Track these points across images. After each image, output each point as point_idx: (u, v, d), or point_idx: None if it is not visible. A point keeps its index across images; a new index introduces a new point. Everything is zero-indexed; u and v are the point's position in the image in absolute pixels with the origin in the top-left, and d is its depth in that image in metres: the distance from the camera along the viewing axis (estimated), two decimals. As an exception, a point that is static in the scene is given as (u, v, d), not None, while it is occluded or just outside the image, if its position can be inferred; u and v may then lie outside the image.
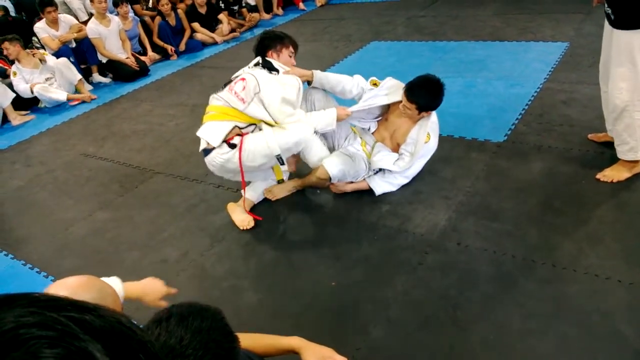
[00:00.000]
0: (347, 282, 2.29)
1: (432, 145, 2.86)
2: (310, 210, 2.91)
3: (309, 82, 2.92)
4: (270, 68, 2.75)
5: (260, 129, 2.72)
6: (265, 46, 2.87)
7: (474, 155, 3.11)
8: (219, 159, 2.72)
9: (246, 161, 2.68)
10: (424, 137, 2.79)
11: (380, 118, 3.09)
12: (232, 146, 2.68)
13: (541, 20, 5.47)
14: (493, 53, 4.79)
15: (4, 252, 3.04)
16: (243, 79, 2.72)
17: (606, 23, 2.55)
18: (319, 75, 2.91)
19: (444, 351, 1.88)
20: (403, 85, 2.81)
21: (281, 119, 2.67)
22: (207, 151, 2.77)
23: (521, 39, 5.03)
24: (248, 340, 1.38)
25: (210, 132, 2.73)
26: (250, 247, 2.68)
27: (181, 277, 2.53)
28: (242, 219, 2.86)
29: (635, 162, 2.60)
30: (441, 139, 3.11)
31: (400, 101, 2.80)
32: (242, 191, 2.94)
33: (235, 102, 2.69)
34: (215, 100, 2.80)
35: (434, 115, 2.85)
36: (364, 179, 2.92)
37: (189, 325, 1.03)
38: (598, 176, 2.67)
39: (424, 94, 2.72)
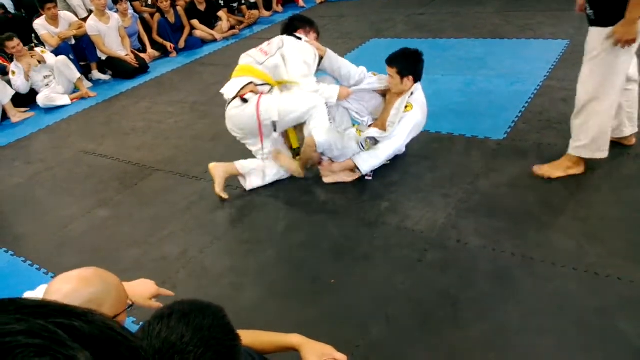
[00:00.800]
0: (347, 280, 2.29)
1: (417, 116, 2.95)
2: (310, 208, 2.90)
3: (321, 58, 3.08)
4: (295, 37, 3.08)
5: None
6: (296, 26, 3.17)
7: (474, 153, 3.11)
8: (232, 111, 2.98)
9: (263, 116, 2.92)
10: (403, 106, 2.94)
11: (375, 117, 3.18)
12: (244, 101, 2.93)
13: (541, 17, 5.46)
14: (493, 51, 4.79)
15: (4, 249, 3.04)
16: (269, 40, 3.08)
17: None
18: (331, 53, 3.10)
19: (443, 349, 1.88)
20: None
21: (297, 76, 2.94)
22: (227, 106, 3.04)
23: (521, 36, 5.03)
24: (248, 337, 1.38)
25: (229, 86, 3.02)
26: (250, 244, 2.68)
27: (181, 274, 2.53)
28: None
29: (578, 160, 2.66)
30: (441, 136, 3.13)
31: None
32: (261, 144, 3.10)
33: (259, 56, 3.01)
34: (243, 59, 3.10)
35: (418, 92, 3.00)
36: (350, 158, 2.99)
37: (191, 322, 1.03)
38: (534, 168, 2.75)
39: (401, 59, 2.94)
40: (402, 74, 2.92)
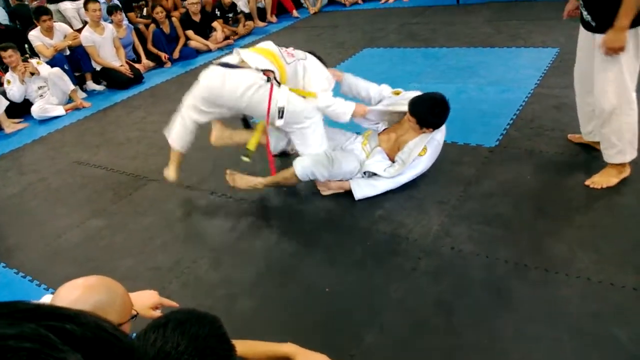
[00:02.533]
0: (341, 288, 2.29)
1: (426, 160, 2.90)
2: (304, 216, 2.91)
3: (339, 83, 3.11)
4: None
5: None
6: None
7: (467, 160, 3.13)
8: (250, 79, 2.77)
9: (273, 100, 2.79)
10: (419, 149, 2.86)
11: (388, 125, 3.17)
12: (268, 79, 2.80)
13: (531, 26, 5.52)
14: (484, 59, 4.83)
15: (-3, 261, 3.02)
16: (295, 49, 3.02)
17: (582, 30, 2.57)
18: (348, 76, 3.12)
19: (438, 357, 1.88)
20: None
21: (317, 88, 2.90)
22: (234, 67, 2.85)
23: (512, 45, 5.08)
24: (242, 347, 1.39)
25: (255, 58, 2.85)
26: (243, 254, 2.68)
27: (174, 284, 2.53)
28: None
29: (623, 165, 2.62)
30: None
31: None
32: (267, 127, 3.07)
33: (285, 55, 2.92)
34: (267, 45, 2.99)
35: (439, 134, 2.93)
36: (348, 180, 2.95)
37: (186, 331, 1.03)
38: (587, 183, 2.67)
39: (425, 110, 2.82)
40: (422, 125, 2.86)
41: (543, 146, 3.12)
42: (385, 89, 3.16)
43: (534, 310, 1.99)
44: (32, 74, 5.50)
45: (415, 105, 2.83)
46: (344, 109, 2.93)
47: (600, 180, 2.65)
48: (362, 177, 2.96)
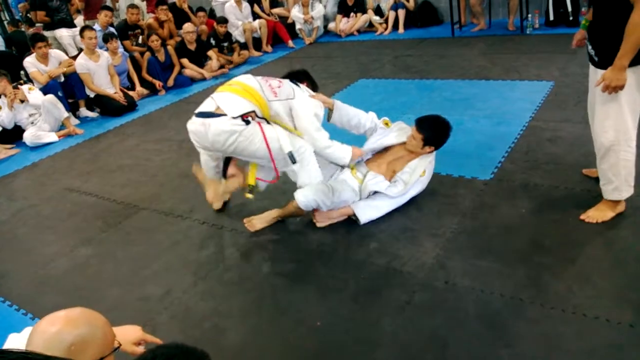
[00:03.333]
0: (333, 322, 2.24)
1: (425, 181, 3.02)
2: (297, 247, 2.87)
3: (330, 111, 3.07)
4: (298, 85, 2.97)
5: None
6: (301, 79, 3.08)
7: (461, 193, 3.11)
8: (227, 127, 2.70)
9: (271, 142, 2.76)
10: (420, 170, 2.94)
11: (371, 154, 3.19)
12: (247, 122, 2.71)
13: (526, 60, 5.59)
14: (479, 91, 4.87)
15: (-19, 289, 2.95)
16: (280, 80, 2.92)
17: (590, 64, 2.58)
18: (339, 104, 3.08)
19: (432, 394, 1.83)
20: (411, 128, 3.02)
21: (310, 130, 2.85)
22: (210, 115, 2.76)
23: (507, 77, 5.13)
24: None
25: (230, 102, 2.76)
26: (234, 285, 2.62)
27: (163, 315, 2.47)
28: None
29: (618, 201, 2.61)
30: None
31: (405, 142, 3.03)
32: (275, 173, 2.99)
33: (267, 92, 2.82)
34: (246, 79, 2.90)
35: (433, 156, 3.03)
36: (349, 205, 2.93)
37: None
38: (582, 217, 2.65)
39: (433, 129, 2.96)
40: (427, 143, 2.94)
41: (538, 179, 3.12)
42: (375, 117, 3.17)
43: (530, 346, 1.95)
44: (22, 101, 5.48)
45: (424, 124, 2.94)
46: (342, 154, 2.94)
47: (595, 214, 2.63)
48: (362, 199, 2.97)
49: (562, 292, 2.19)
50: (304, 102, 2.88)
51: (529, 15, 6.87)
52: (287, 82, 2.94)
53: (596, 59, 2.42)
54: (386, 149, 3.12)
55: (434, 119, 2.99)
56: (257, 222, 3.04)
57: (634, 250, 2.38)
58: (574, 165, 3.17)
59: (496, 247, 2.56)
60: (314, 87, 3.14)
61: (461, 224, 2.80)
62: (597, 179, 2.94)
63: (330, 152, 2.93)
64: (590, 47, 2.46)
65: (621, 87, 2.30)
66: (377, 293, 2.38)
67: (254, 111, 2.76)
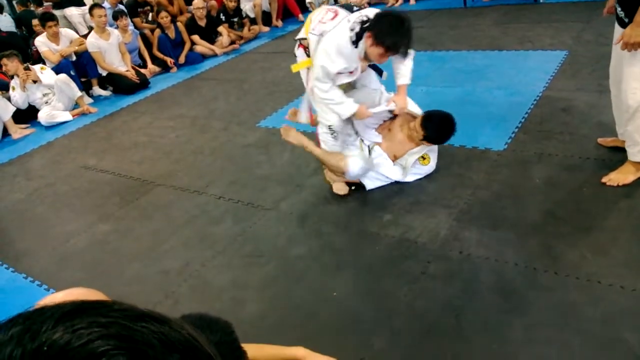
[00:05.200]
0: (349, 292, 2.28)
1: (428, 169, 3.03)
2: (311, 220, 2.90)
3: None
4: (358, 36, 2.58)
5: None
6: (371, 27, 2.53)
7: (475, 164, 3.11)
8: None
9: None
10: (417, 155, 2.98)
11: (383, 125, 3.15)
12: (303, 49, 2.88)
13: (540, 29, 5.49)
14: (492, 62, 4.81)
15: (5, 265, 3.03)
16: (336, 14, 2.70)
17: (616, 27, 2.55)
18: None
19: (448, 361, 1.87)
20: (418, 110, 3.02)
21: (313, 76, 2.78)
22: None
23: (520, 48, 5.05)
24: (252, 350, 1.38)
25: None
26: (251, 258, 2.67)
27: (183, 288, 2.52)
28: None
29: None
30: (441, 148, 3.13)
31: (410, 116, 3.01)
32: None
33: (315, 22, 2.78)
34: (316, 11, 2.90)
35: (435, 146, 3.05)
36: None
37: None
38: (604, 180, 2.66)
39: (437, 130, 2.91)
40: (426, 139, 2.92)
41: (552, 149, 3.10)
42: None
43: (544, 314, 1.98)
44: (35, 81, 5.52)
45: (429, 122, 2.88)
46: (343, 110, 2.81)
47: (617, 177, 2.64)
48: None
49: (576, 261, 2.20)
50: (329, 43, 2.62)
51: (543, -17, 6.73)
52: (344, 20, 2.63)
53: (626, 20, 2.38)
54: (390, 127, 3.08)
55: (440, 122, 2.90)
56: (293, 135, 3.05)
57: (649, 218, 2.38)
58: (589, 135, 3.15)
59: (510, 217, 2.57)
60: (389, 45, 2.51)
61: (475, 195, 2.81)
62: (611, 148, 2.94)
63: (332, 106, 2.82)
64: (619, 9, 2.44)
65: None
66: (391, 264, 2.41)
67: (305, 38, 2.82)
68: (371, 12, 2.62)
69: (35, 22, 6.79)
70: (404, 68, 2.88)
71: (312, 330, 2.10)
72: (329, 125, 2.91)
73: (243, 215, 3.06)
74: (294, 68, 3.01)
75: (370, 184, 2.98)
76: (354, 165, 2.83)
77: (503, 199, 2.74)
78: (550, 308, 2.00)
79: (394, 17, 2.51)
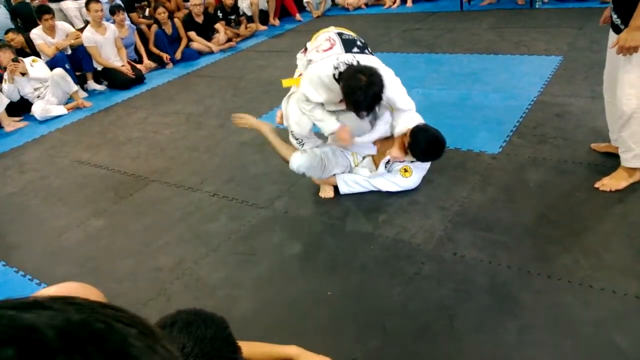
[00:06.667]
0: (343, 292, 2.28)
1: (411, 182, 2.93)
2: (305, 219, 2.90)
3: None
4: (340, 75, 2.47)
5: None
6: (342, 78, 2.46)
7: (470, 166, 3.13)
8: None
9: None
10: (401, 166, 2.90)
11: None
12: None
13: (535, 34, 5.53)
14: (487, 66, 4.84)
15: (-4, 259, 3.01)
16: (331, 46, 2.62)
17: (611, 34, 2.57)
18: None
19: (441, 361, 1.87)
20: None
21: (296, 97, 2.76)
22: None
23: (515, 52, 5.09)
24: (246, 348, 1.38)
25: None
26: (245, 256, 2.67)
27: (176, 285, 2.52)
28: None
29: (635, 170, 2.64)
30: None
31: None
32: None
33: (309, 46, 2.81)
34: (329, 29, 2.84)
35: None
36: (334, 176, 3.00)
37: (193, 332, 1.02)
38: (597, 185, 2.69)
39: (422, 151, 2.72)
40: (409, 152, 2.75)
41: (546, 153, 3.12)
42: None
43: (537, 317, 1.99)
44: (23, 74, 5.47)
45: (416, 136, 2.67)
46: (323, 127, 2.75)
47: (610, 182, 2.67)
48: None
49: (568, 264, 2.22)
50: (309, 75, 2.60)
51: (539, -11, 6.77)
52: (332, 57, 2.55)
53: (622, 27, 2.41)
54: (386, 143, 3.01)
55: (430, 144, 2.68)
56: (249, 120, 3.12)
57: (641, 223, 2.41)
58: (582, 140, 3.17)
59: (504, 220, 2.59)
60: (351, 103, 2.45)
61: (469, 197, 2.82)
62: (604, 154, 2.96)
63: (314, 121, 2.78)
64: (615, 16, 2.47)
65: (636, 49, 2.32)
66: (385, 264, 2.41)
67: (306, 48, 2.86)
68: (367, 59, 2.54)
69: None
70: (403, 119, 2.75)
71: (306, 329, 2.11)
72: (291, 131, 2.93)
73: (237, 213, 3.05)
74: (285, 83, 2.97)
75: (345, 188, 2.97)
76: (294, 161, 2.88)
77: (497, 201, 2.75)
78: (543, 311, 2.01)
79: (365, 79, 2.35)
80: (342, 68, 2.47)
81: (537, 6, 6.75)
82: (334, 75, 2.48)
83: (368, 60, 2.56)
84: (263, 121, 3.17)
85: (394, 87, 2.59)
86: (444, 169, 3.11)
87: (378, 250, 2.52)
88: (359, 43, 2.70)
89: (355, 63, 2.47)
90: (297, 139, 2.94)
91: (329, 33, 2.75)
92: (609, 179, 2.69)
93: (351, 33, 2.81)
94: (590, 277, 2.13)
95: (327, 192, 3.05)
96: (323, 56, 2.59)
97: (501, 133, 3.47)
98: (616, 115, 2.62)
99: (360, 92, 2.33)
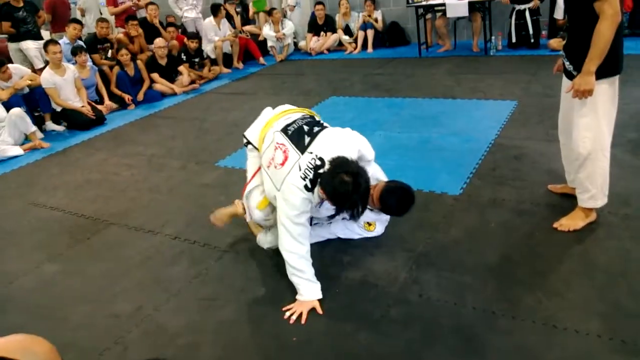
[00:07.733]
0: (309, 337, 2.23)
1: (376, 232, 2.93)
2: (269, 262, 2.85)
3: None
4: (312, 183, 2.33)
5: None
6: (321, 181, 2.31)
7: (432, 208, 3.17)
8: None
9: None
10: (365, 219, 2.85)
11: None
12: None
13: (490, 80, 5.76)
14: (446, 110, 4.99)
15: (-60, 308, 2.83)
16: (285, 157, 2.42)
17: (564, 80, 2.70)
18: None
19: (409, 407, 1.84)
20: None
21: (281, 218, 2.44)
22: None
23: (472, 97, 5.27)
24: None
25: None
26: (208, 301, 2.59)
27: (134, 333, 2.41)
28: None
29: (590, 210, 2.72)
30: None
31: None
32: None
33: (277, 159, 2.48)
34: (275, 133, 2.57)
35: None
36: None
37: None
38: (555, 225, 2.76)
39: (397, 211, 2.60)
40: (377, 206, 2.52)
41: (505, 195, 3.20)
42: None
43: (503, 358, 1.99)
44: None
45: (387, 201, 2.46)
46: (301, 288, 2.45)
47: (568, 223, 2.74)
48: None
49: (532, 305, 2.24)
50: (283, 196, 2.39)
51: (493, 38, 7.10)
52: (295, 167, 2.37)
53: (575, 73, 2.52)
54: None
55: (399, 206, 2.51)
56: (222, 211, 3.03)
57: (600, 262, 2.46)
58: (539, 182, 3.27)
59: (467, 260, 2.61)
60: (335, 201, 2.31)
61: (433, 238, 2.84)
62: (561, 195, 3.05)
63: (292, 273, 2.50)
64: (567, 63, 2.59)
65: (590, 92, 2.42)
66: (352, 307, 2.38)
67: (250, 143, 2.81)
68: (324, 151, 2.37)
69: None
70: (371, 170, 2.62)
71: (271, 377, 2.04)
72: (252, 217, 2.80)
73: (199, 257, 2.98)
74: (259, 205, 2.71)
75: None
76: (261, 242, 2.92)
77: (460, 242, 2.78)
78: (509, 352, 2.01)
79: (346, 175, 2.21)
80: (310, 175, 2.32)
81: (491, 53, 7.06)
82: (305, 186, 2.33)
83: (323, 141, 2.43)
84: (234, 205, 3.04)
85: (362, 146, 2.57)
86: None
87: (344, 293, 2.49)
88: (305, 126, 2.52)
89: (319, 163, 2.33)
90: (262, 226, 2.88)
91: (275, 135, 2.54)
92: (567, 219, 2.76)
93: (292, 111, 2.70)
94: (554, 317, 2.15)
95: (263, 241, 2.94)
96: (284, 172, 2.39)
97: (461, 175, 3.54)
98: (572, 157, 2.72)
99: (355, 197, 2.22)
